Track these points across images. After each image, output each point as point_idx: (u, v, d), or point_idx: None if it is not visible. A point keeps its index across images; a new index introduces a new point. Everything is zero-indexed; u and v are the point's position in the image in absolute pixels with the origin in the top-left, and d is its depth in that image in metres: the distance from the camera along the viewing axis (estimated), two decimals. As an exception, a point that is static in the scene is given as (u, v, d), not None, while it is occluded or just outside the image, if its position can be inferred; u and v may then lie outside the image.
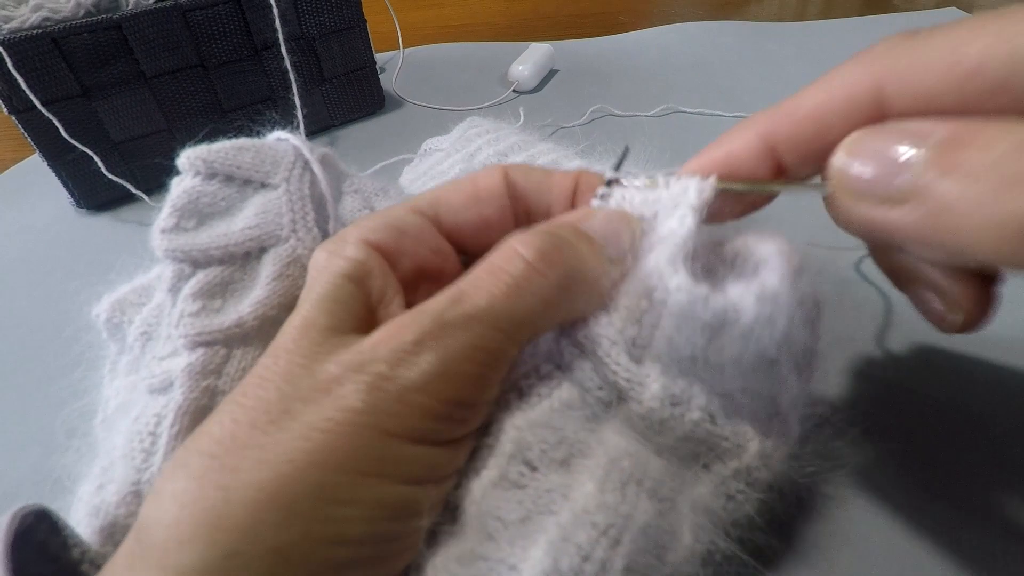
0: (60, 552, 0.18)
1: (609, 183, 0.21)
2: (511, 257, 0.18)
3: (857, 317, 0.33)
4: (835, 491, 0.25)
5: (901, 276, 0.19)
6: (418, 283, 0.20)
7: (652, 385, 0.19)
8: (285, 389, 0.16)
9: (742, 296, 0.18)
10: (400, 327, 0.17)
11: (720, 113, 0.55)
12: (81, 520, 0.20)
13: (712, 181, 0.19)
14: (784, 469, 0.21)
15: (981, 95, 0.15)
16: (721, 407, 0.19)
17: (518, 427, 0.18)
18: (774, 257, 0.19)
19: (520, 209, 0.22)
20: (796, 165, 0.19)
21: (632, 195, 0.21)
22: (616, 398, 0.20)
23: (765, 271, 0.18)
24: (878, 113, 0.16)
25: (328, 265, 0.19)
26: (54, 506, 0.18)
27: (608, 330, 0.19)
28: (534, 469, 0.18)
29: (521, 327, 0.18)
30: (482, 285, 0.17)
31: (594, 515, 0.16)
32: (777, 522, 0.21)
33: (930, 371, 0.30)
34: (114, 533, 0.19)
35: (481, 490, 0.17)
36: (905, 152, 0.15)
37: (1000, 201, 0.14)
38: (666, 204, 0.20)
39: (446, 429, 0.17)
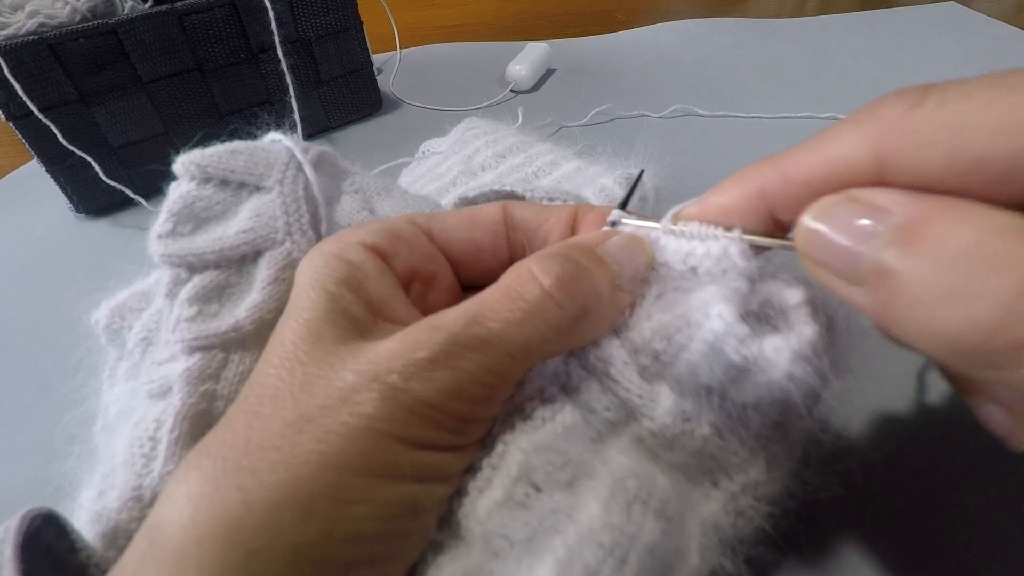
0: (67, 556, 0.18)
1: (614, 223, 0.21)
2: (528, 282, 0.18)
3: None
4: (840, 509, 0.24)
5: (959, 382, 0.19)
6: (410, 283, 0.21)
7: (664, 401, 0.19)
8: (301, 397, 0.17)
9: (778, 352, 0.17)
10: (415, 341, 0.17)
11: (737, 114, 0.55)
12: (83, 526, 0.20)
13: (739, 234, 0.19)
14: (789, 486, 0.21)
15: (984, 185, 0.14)
16: (729, 426, 0.19)
17: (524, 450, 0.18)
18: (803, 312, 0.18)
19: (517, 240, 0.22)
20: (792, 224, 0.18)
21: (660, 240, 0.20)
22: (624, 418, 0.20)
23: (799, 327, 0.18)
24: (877, 185, 0.16)
25: (325, 271, 0.19)
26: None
27: (620, 351, 0.19)
28: (539, 490, 0.18)
29: (531, 353, 0.18)
30: (498, 309, 0.18)
31: (600, 535, 0.16)
32: (783, 538, 0.21)
33: (945, 412, 0.29)
34: (116, 538, 0.19)
35: (486, 510, 0.18)
36: (868, 231, 0.15)
37: (941, 309, 0.14)
38: (705, 256, 0.19)
39: (451, 439, 0.17)
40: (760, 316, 0.18)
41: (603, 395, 0.20)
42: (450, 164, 0.41)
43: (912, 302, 0.14)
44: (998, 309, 0.13)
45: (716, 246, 0.19)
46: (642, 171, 0.23)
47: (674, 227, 0.20)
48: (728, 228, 0.19)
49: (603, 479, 0.18)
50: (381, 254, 0.20)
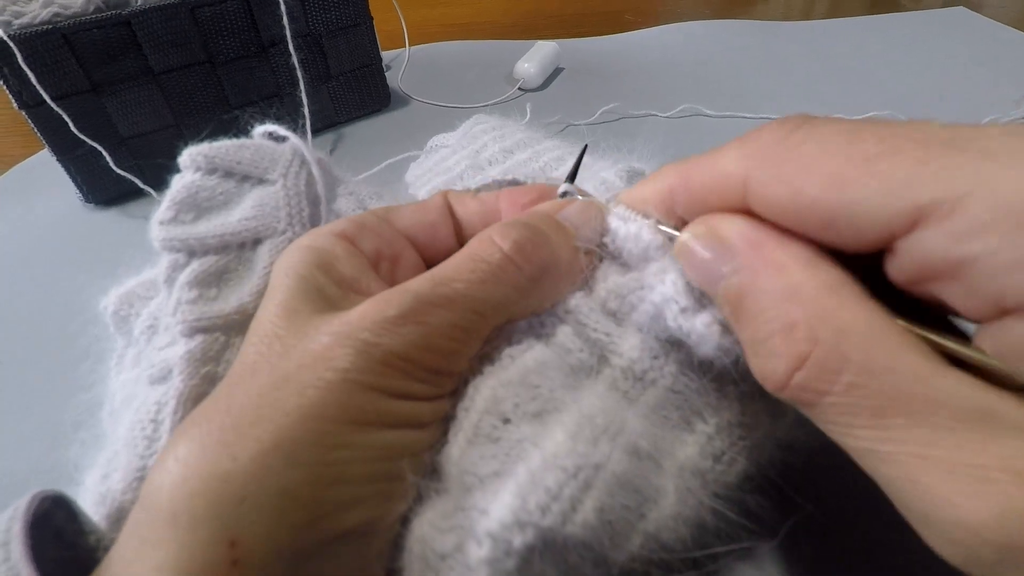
0: (76, 539, 0.18)
1: (564, 194, 0.23)
2: (488, 246, 0.20)
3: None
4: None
5: None
6: (378, 262, 0.23)
7: (631, 338, 0.20)
8: (279, 364, 0.18)
9: (708, 327, 0.18)
10: (385, 302, 0.18)
11: (744, 115, 0.55)
12: (88, 508, 0.20)
13: (653, 221, 0.20)
14: (774, 433, 0.21)
15: (817, 229, 0.15)
16: (699, 367, 0.20)
17: (491, 386, 0.19)
18: None
19: (456, 224, 0.25)
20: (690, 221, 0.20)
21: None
22: (597, 361, 0.20)
23: None
24: (743, 205, 0.17)
25: (297, 258, 0.21)
26: (62, 496, 0.18)
27: (587, 300, 0.21)
28: (507, 421, 0.19)
29: (495, 311, 0.20)
30: (462, 271, 0.19)
31: (564, 460, 0.17)
32: (768, 484, 0.21)
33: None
34: (120, 519, 0.20)
35: (459, 450, 0.19)
36: (724, 259, 0.17)
37: (754, 354, 0.16)
38: (624, 237, 0.21)
39: (424, 389, 0.19)
40: (701, 300, 0.19)
41: (576, 337, 0.21)
42: (458, 158, 0.41)
43: (743, 339, 0.17)
44: (780, 370, 0.15)
45: (634, 227, 0.20)
46: (585, 146, 0.25)
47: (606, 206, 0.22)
48: (646, 216, 0.20)
49: (572, 413, 0.18)
50: (348, 239, 0.22)
